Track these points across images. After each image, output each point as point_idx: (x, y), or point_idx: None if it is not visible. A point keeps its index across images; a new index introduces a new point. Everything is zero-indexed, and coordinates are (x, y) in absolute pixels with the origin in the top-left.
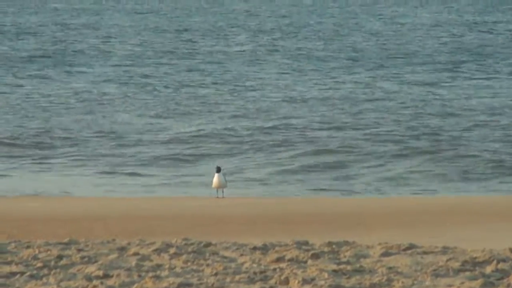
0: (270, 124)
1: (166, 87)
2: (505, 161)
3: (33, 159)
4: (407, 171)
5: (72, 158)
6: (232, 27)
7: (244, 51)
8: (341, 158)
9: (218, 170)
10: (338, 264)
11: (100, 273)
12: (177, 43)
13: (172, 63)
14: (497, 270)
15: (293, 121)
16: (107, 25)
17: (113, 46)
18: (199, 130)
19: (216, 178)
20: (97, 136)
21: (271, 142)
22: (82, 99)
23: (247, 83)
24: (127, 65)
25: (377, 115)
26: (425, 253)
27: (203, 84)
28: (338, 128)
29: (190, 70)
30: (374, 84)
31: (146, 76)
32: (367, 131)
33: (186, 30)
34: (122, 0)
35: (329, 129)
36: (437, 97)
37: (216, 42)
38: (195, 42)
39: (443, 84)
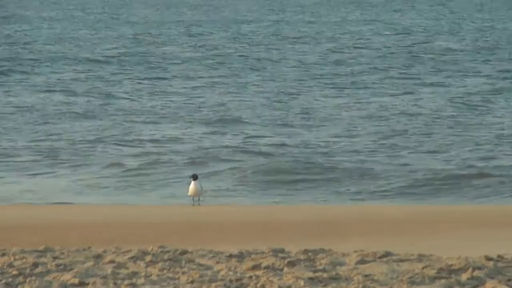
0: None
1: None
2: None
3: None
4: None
5: (46, 164)
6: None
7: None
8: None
9: (195, 177)
10: (314, 271)
11: (76, 281)
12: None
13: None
14: (472, 277)
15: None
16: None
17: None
18: (172, 136)
19: (192, 186)
20: (74, 142)
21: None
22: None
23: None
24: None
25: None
26: (401, 260)
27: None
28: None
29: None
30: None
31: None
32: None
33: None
34: None
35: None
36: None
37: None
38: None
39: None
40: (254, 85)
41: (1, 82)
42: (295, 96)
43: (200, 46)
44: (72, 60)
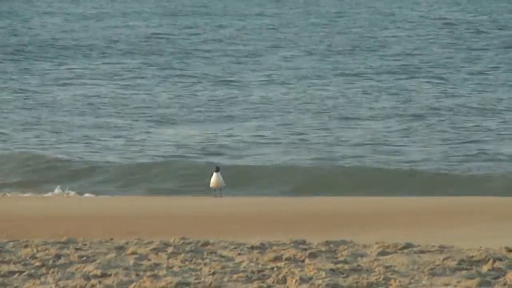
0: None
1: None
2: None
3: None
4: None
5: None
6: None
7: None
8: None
9: (217, 169)
10: (336, 263)
11: (98, 272)
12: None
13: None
14: (493, 269)
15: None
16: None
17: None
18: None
19: (214, 178)
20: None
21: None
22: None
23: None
24: None
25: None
26: (422, 252)
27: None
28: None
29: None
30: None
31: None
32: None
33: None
34: None
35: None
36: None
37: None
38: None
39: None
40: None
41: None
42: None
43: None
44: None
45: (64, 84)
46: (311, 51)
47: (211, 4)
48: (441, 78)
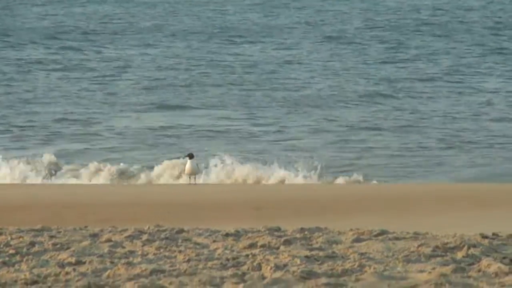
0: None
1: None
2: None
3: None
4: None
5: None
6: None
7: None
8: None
9: (191, 156)
10: (310, 250)
11: (73, 259)
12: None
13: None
14: (468, 255)
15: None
16: None
17: None
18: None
19: (188, 165)
20: (67, 122)
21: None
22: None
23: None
24: None
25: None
26: (396, 238)
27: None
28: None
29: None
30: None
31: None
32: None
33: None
34: None
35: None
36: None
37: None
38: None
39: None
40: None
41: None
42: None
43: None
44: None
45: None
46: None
47: None
48: None
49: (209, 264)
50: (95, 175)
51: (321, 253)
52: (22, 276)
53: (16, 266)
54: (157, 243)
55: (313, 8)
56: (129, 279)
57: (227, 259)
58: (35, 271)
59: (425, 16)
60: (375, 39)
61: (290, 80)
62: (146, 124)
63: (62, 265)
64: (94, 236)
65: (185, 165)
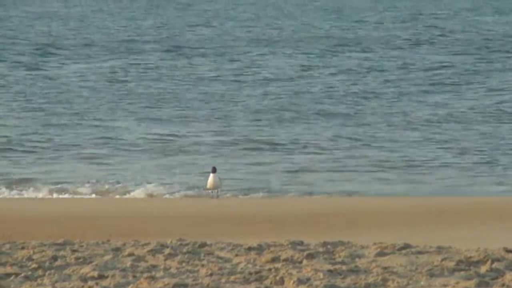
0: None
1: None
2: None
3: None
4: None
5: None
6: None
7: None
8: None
9: (214, 170)
10: (333, 264)
11: (95, 274)
12: None
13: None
14: (491, 269)
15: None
16: None
17: None
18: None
19: (211, 179)
20: (90, 136)
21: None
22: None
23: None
24: None
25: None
26: (420, 252)
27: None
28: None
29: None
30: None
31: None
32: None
33: None
34: None
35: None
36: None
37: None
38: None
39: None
40: None
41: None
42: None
43: None
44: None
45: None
46: None
47: None
48: None
49: (232, 278)
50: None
51: (344, 267)
52: None
53: (39, 281)
54: (179, 257)
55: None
56: None
57: (250, 273)
58: (58, 285)
59: None
60: None
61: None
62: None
63: (84, 280)
64: (117, 250)
65: (208, 179)
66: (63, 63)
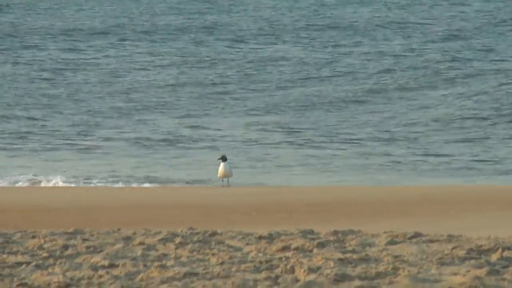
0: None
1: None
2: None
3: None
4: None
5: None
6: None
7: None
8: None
9: (224, 159)
10: (344, 253)
11: (106, 262)
12: None
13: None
14: (502, 258)
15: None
16: None
17: None
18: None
19: (221, 167)
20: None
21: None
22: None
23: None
24: None
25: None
26: (430, 241)
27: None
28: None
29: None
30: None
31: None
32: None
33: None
34: None
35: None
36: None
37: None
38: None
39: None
40: None
41: None
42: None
43: None
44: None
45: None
46: None
47: None
48: None
49: (242, 267)
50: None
51: (354, 256)
52: (56, 279)
53: (50, 269)
54: (190, 246)
55: None
56: (163, 282)
57: (260, 262)
58: (68, 274)
59: None
60: None
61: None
62: None
63: (95, 268)
64: (127, 239)
65: (218, 167)
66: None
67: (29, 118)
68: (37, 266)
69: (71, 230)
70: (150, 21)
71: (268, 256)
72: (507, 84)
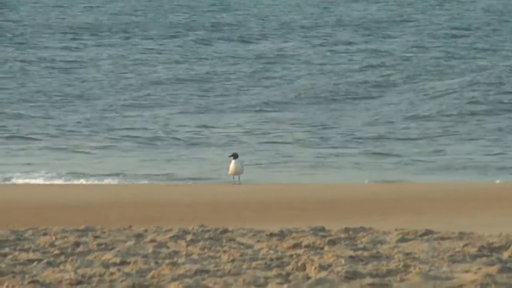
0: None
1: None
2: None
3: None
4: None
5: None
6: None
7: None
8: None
9: (235, 156)
10: (355, 250)
11: (117, 260)
12: None
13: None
14: None
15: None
16: None
17: None
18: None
19: (232, 165)
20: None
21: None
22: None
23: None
24: None
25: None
26: (441, 238)
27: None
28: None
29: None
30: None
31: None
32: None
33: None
34: None
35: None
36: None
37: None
38: None
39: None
40: None
41: None
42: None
43: None
44: None
45: None
46: None
47: None
48: None
49: (254, 264)
50: None
51: (365, 253)
52: (67, 277)
53: (61, 267)
54: (201, 243)
55: None
56: (174, 280)
57: (272, 259)
58: (80, 271)
59: None
60: None
61: None
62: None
63: (106, 265)
64: (139, 236)
65: (229, 165)
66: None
67: (36, 116)
68: (49, 263)
69: (82, 227)
70: (160, 18)
71: (279, 253)
72: None
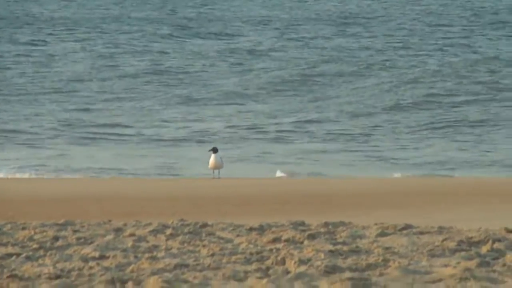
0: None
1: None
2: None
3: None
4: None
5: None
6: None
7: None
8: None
9: (215, 150)
10: (334, 244)
11: (96, 254)
12: None
13: None
14: (492, 249)
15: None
16: None
17: None
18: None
19: (212, 159)
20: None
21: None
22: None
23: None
24: None
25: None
26: (421, 233)
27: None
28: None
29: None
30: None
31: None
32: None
33: None
34: None
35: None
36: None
37: None
38: None
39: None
40: None
41: None
42: None
43: None
44: None
45: None
46: None
47: None
48: None
49: (233, 258)
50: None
51: (345, 248)
52: (46, 271)
53: (40, 261)
54: (181, 237)
55: None
56: (153, 274)
57: (251, 254)
58: (59, 265)
59: None
60: None
61: None
62: None
63: (85, 260)
64: (118, 230)
65: (209, 159)
66: None
67: (11, 111)
68: (28, 258)
69: (61, 221)
70: (135, 12)
71: (259, 247)
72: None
